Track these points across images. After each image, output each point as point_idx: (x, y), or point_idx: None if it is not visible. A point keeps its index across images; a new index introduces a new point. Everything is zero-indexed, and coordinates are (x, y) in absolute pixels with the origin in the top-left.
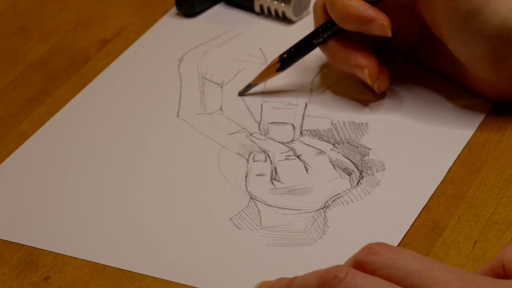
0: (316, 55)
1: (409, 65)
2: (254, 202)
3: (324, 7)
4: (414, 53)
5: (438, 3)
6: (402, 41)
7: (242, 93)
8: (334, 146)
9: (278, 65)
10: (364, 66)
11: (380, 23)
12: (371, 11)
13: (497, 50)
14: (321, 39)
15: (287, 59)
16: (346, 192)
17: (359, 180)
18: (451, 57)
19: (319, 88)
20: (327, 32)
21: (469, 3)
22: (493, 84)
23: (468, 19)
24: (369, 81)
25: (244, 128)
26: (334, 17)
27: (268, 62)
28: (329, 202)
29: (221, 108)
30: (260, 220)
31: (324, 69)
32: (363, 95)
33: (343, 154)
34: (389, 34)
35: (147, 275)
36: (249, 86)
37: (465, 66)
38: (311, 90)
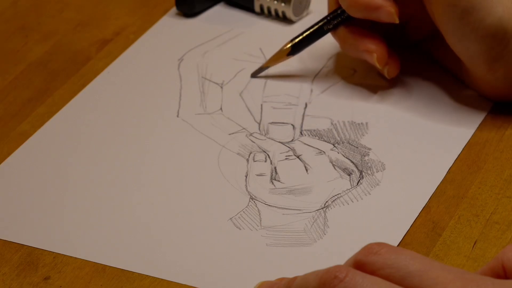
0: (316, 56)
1: (408, 65)
2: (254, 202)
3: None
4: (427, 45)
5: None
6: (415, 32)
7: (254, 75)
8: (334, 146)
9: (289, 49)
10: (373, 50)
11: (387, 10)
12: (377, 0)
13: (492, 50)
14: (331, 26)
15: (298, 44)
16: (346, 192)
17: (359, 180)
18: (455, 54)
19: (319, 88)
20: (337, 19)
21: (466, 0)
22: (490, 83)
23: (464, 16)
24: (378, 65)
25: (244, 128)
26: (343, 4)
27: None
28: (329, 202)
29: (221, 108)
30: (260, 220)
31: (324, 69)
32: (363, 95)
33: (343, 154)
34: (397, 21)
35: (147, 275)
36: (261, 68)
37: (463, 63)
38: (311, 90)
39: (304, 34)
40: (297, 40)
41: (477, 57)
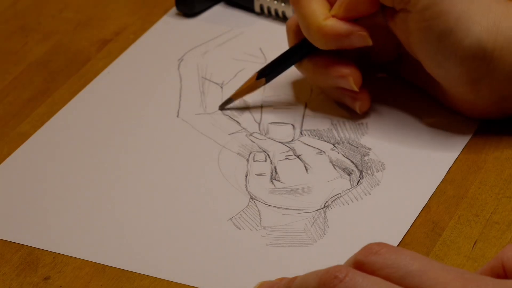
0: None
1: None
2: (254, 202)
3: (297, 28)
4: (393, 69)
5: (411, 24)
6: (380, 57)
7: (222, 107)
8: (334, 146)
9: (256, 75)
10: (348, 74)
11: (359, 34)
12: (347, 26)
13: (472, 71)
14: (297, 58)
15: (265, 70)
16: (346, 192)
17: (359, 180)
18: (427, 75)
19: (319, 88)
20: (302, 52)
21: (442, 23)
22: (472, 103)
23: (441, 40)
24: (355, 88)
25: (244, 128)
26: (311, 39)
27: (268, 62)
28: (329, 202)
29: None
30: (260, 220)
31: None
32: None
33: (343, 154)
34: (370, 43)
35: (147, 275)
36: (230, 100)
37: (440, 85)
38: (311, 90)
39: (271, 65)
40: (264, 71)
41: (457, 79)
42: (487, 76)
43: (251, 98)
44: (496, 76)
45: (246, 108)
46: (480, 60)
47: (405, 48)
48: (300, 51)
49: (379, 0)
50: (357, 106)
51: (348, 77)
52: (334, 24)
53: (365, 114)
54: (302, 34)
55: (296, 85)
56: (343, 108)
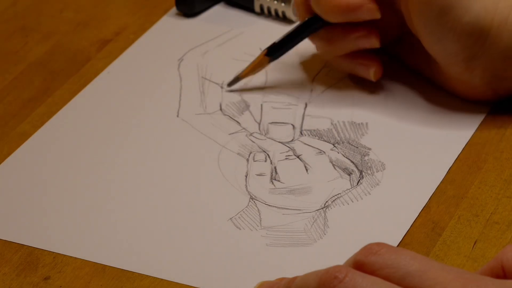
0: (316, 56)
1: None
2: (254, 202)
3: (306, 3)
4: (393, 49)
5: None
6: (381, 36)
7: (230, 85)
8: (334, 146)
9: (265, 51)
10: (368, 32)
11: (368, 7)
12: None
13: (469, 48)
14: (310, 30)
15: (275, 47)
16: (346, 192)
17: (359, 180)
18: (427, 55)
19: (319, 88)
20: (313, 26)
21: None
22: (466, 83)
23: (441, 15)
24: (377, 44)
25: (244, 128)
26: (320, 11)
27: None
28: (329, 202)
29: (221, 108)
30: (260, 220)
31: (324, 69)
32: (363, 95)
33: (343, 154)
34: (379, 16)
35: (147, 275)
36: (237, 78)
37: (439, 64)
38: (311, 90)
39: (281, 40)
40: (273, 45)
41: (454, 57)
42: (482, 54)
43: (251, 98)
44: (490, 54)
45: (246, 107)
46: (477, 37)
47: (407, 26)
48: (310, 25)
49: None
50: (372, 73)
51: (368, 35)
52: None
53: (365, 114)
54: (309, 8)
55: (296, 85)
56: (344, 108)
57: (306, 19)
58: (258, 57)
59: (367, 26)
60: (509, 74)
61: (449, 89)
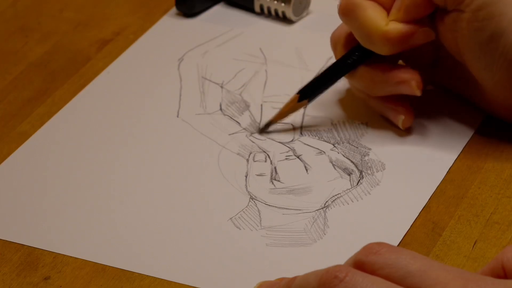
0: (316, 56)
1: None
2: (254, 202)
3: (346, 40)
4: (428, 73)
5: (462, 24)
6: (415, 62)
7: (263, 130)
8: (334, 146)
9: (297, 97)
10: (410, 79)
11: (423, 30)
12: (410, 26)
13: None
14: (349, 66)
15: (306, 90)
16: (346, 192)
17: (359, 180)
18: (468, 79)
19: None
20: (353, 59)
21: (494, 24)
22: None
23: (492, 41)
24: (418, 93)
25: (244, 128)
26: (374, 47)
27: (268, 62)
28: (329, 202)
29: (221, 108)
30: (260, 220)
31: (324, 69)
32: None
33: (343, 154)
34: (434, 36)
35: (147, 275)
36: (271, 122)
37: (483, 89)
38: None
39: (315, 81)
40: (306, 88)
41: (502, 83)
42: None
43: (251, 98)
44: None
45: (246, 107)
46: None
47: (449, 51)
48: (348, 62)
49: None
50: (400, 121)
51: (410, 82)
52: (398, 26)
53: (364, 114)
54: (351, 45)
55: (296, 85)
56: (344, 108)
57: (341, 59)
58: (290, 102)
59: (409, 70)
60: None
61: (493, 112)
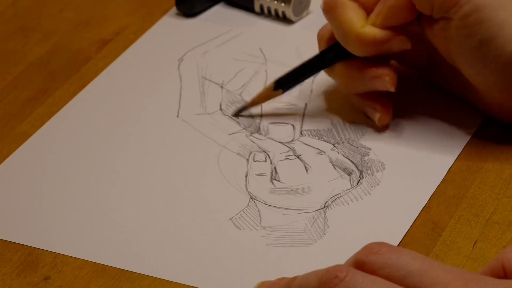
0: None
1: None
2: (254, 202)
3: (330, 36)
4: (425, 75)
5: (451, 31)
6: (409, 65)
7: (236, 114)
8: (334, 146)
9: (273, 85)
10: (383, 74)
11: (398, 38)
12: (385, 32)
13: (509, 79)
14: (326, 62)
15: (282, 80)
16: (346, 192)
17: (359, 180)
18: (464, 81)
19: (319, 88)
20: (331, 56)
21: (484, 30)
22: (508, 109)
23: (483, 46)
24: (391, 88)
25: (244, 128)
26: (349, 47)
27: (268, 62)
28: (329, 202)
29: (221, 108)
30: (260, 220)
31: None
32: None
33: (343, 154)
34: (409, 46)
35: (147, 275)
36: (244, 108)
37: (479, 91)
38: (311, 90)
39: (292, 72)
40: (282, 78)
41: (496, 86)
42: None
43: (251, 98)
44: None
45: (246, 107)
46: None
47: (442, 55)
48: (326, 58)
49: (417, 8)
50: (377, 118)
51: (384, 77)
52: (373, 31)
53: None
54: (333, 42)
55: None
56: (344, 108)
57: (318, 54)
58: (266, 90)
59: (386, 66)
60: None
61: (491, 114)
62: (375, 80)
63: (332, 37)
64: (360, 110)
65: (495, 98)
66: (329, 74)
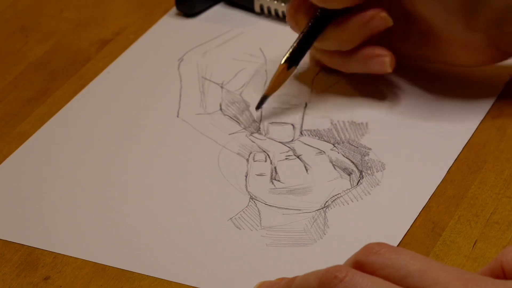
0: None
1: (408, 65)
2: (254, 202)
3: (302, 6)
4: (399, 48)
5: None
6: (385, 40)
7: (258, 106)
8: (334, 146)
9: (285, 65)
10: (376, 12)
11: (382, 15)
12: None
13: (469, 2)
14: (318, 28)
15: (292, 56)
16: (346, 192)
17: (359, 180)
18: (421, 32)
19: (319, 88)
20: (320, 23)
21: None
22: (468, 46)
23: None
24: (390, 22)
25: (244, 128)
26: (325, 3)
27: (268, 62)
28: (329, 202)
29: (221, 108)
30: (260, 220)
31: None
32: (364, 95)
33: (343, 154)
34: (391, 23)
35: (147, 275)
36: (265, 97)
37: (437, 32)
38: (311, 90)
39: (295, 46)
40: (289, 55)
41: (454, 13)
42: (483, 7)
43: (251, 98)
44: (492, 7)
45: (246, 107)
46: None
47: (397, 4)
48: (317, 23)
49: None
50: (388, 63)
51: (379, 14)
52: None
53: (365, 114)
54: (309, 11)
55: (296, 85)
56: (344, 108)
57: (311, 20)
58: (278, 71)
59: (372, 8)
60: None
61: (452, 59)
62: (372, 21)
63: (308, 8)
64: (362, 72)
65: (453, 32)
66: (323, 42)
